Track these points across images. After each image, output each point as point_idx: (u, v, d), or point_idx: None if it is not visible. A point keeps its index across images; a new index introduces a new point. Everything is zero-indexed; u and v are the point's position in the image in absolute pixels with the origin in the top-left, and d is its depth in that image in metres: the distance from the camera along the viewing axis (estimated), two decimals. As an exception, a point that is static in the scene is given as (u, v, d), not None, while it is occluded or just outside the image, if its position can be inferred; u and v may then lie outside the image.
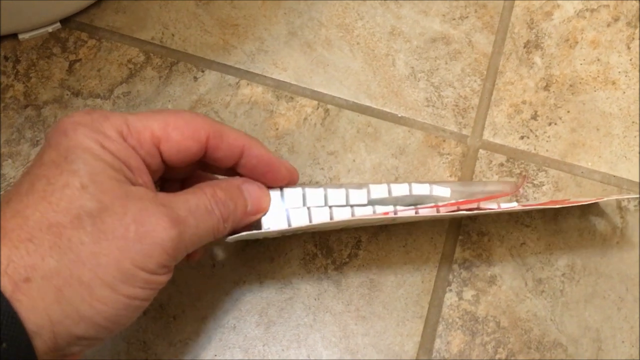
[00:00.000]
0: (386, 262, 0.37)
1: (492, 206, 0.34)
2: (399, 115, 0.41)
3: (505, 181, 0.38)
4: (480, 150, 0.40)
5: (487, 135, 0.40)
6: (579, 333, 0.35)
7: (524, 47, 0.43)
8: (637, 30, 0.44)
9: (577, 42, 0.43)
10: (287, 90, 0.42)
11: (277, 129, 0.40)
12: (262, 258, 0.37)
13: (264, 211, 0.30)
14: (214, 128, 0.28)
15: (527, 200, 0.38)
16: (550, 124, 0.41)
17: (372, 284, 0.36)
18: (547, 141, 0.40)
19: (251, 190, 0.30)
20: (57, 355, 0.23)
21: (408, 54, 0.43)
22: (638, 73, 0.42)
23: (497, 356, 0.35)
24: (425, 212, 0.32)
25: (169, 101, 0.41)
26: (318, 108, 0.41)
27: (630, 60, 0.43)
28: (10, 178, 0.38)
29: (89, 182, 0.24)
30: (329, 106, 0.41)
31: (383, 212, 0.32)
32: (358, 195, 0.32)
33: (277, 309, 0.35)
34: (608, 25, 0.44)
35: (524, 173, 0.39)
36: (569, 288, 0.36)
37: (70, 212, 0.23)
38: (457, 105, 0.41)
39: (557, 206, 0.34)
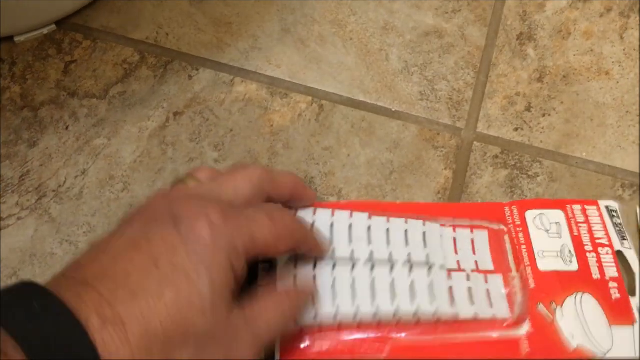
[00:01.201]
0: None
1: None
2: (393, 110, 0.41)
3: (510, 295, 0.34)
4: (475, 142, 0.40)
5: (482, 128, 0.40)
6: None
7: (517, 39, 0.43)
8: (630, 20, 0.44)
9: (570, 33, 0.43)
10: (282, 87, 0.42)
11: (271, 125, 0.41)
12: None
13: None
14: (303, 234, 0.31)
15: (522, 192, 0.39)
16: (544, 115, 0.41)
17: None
18: (541, 132, 0.40)
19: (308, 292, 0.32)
20: None
21: (401, 49, 0.43)
22: (631, 63, 0.42)
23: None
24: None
25: (164, 100, 0.41)
26: (312, 104, 0.41)
27: (624, 50, 0.43)
28: (8, 179, 0.39)
29: (209, 307, 0.25)
30: (323, 102, 0.41)
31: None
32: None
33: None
34: (601, 16, 0.44)
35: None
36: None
37: (182, 330, 0.24)
38: (451, 99, 0.41)
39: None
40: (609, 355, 0.31)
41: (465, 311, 0.32)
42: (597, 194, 0.38)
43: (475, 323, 0.32)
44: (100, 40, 0.44)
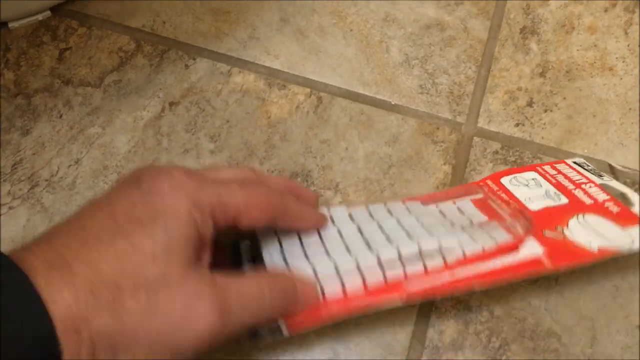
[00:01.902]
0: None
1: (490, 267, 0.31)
2: (393, 103, 0.40)
3: (509, 228, 0.34)
4: (475, 137, 0.39)
5: (482, 123, 0.40)
6: (573, 322, 0.35)
7: (520, 33, 0.43)
8: (635, 15, 0.43)
9: (573, 28, 0.43)
10: (280, 78, 0.41)
11: (269, 117, 0.40)
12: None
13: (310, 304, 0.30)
14: (282, 204, 0.29)
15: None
16: (546, 110, 0.40)
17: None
18: (542, 128, 0.40)
19: (306, 289, 0.30)
20: None
21: (402, 41, 0.42)
22: (635, 59, 0.41)
23: (491, 345, 0.34)
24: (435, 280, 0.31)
25: (160, 89, 0.41)
26: (311, 96, 0.41)
27: (628, 46, 0.42)
28: (1, 167, 0.38)
29: (161, 253, 0.24)
30: (322, 94, 0.41)
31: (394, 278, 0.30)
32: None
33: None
34: (605, 11, 0.43)
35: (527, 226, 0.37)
36: (563, 277, 0.36)
37: (133, 277, 0.23)
38: (451, 93, 0.41)
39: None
40: (635, 247, 0.31)
41: (471, 247, 0.31)
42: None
43: (485, 255, 0.31)
44: (95, 27, 0.43)
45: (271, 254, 0.31)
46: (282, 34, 0.43)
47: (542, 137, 0.39)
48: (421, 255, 0.30)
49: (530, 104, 0.40)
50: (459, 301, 0.35)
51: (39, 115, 0.40)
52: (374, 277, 0.30)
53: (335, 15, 0.43)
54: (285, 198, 0.30)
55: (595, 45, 0.42)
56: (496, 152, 0.39)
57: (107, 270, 0.23)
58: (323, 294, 0.29)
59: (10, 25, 0.42)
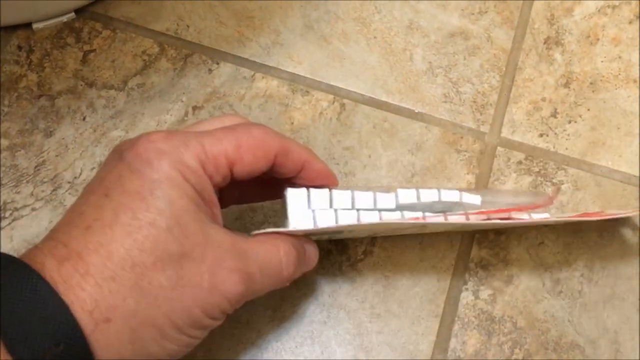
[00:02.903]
0: (401, 260, 0.36)
1: (523, 217, 0.33)
2: (416, 111, 0.40)
3: (537, 192, 0.37)
4: (499, 147, 0.39)
5: (506, 133, 0.40)
6: (597, 334, 0.35)
7: (544, 43, 0.42)
8: (660, 27, 0.43)
9: (598, 39, 0.43)
10: (303, 84, 0.41)
11: (292, 123, 0.40)
12: (276, 253, 0.36)
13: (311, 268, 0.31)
14: (282, 145, 0.28)
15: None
16: (570, 121, 0.40)
17: (387, 282, 0.36)
18: (566, 139, 0.40)
19: (311, 251, 0.31)
20: None
21: (426, 49, 0.42)
22: (660, 71, 0.41)
23: (514, 357, 0.34)
24: (455, 218, 0.32)
25: (184, 93, 0.41)
26: (334, 102, 0.41)
27: (653, 58, 0.42)
28: (24, 168, 0.38)
29: (175, 224, 0.24)
30: (345, 101, 0.41)
31: (412, 217, 0.32)
32: (386, 199, 0.31)
33: (291, 305, 0.35)
34: (630, 23, 0.43)
35: (556, 183, 0.38)
36: (587, 289, 0.36)
37: (155, 253, 0.23)
38: (475, 102, 0.41)
39: (592, 219, 0.34)
40: None
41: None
42: (622, 204, 0.38)
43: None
44: (119, 30, 0.43)
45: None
46: (306, 40, 0.43)
47: (566, 148, 0.39)
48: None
49: (554, 114, 0.40)
50: (482, 311, 0.35)
51: (62, 117, 0.40)
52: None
53: (359, 22, 0.43)
54: (284, 137, 0.28)
55: (619, 57, 0.42)
56: (520, 163, 0.39)
57: (122, 252, 0.23)
58: None
59: (34, 26, 0.43)
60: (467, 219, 0.32)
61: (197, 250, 0.24)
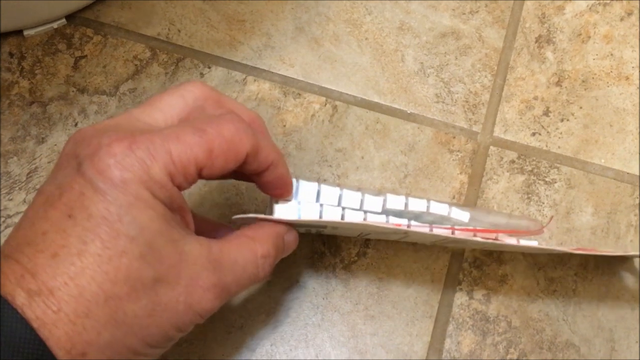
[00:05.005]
0: (395, 261, 0.36)
1: (510, 241, 0.33)
2: (408, 112, 0.40)
3: (530, 218, 0.36)
4: (491, 147, 0.39)
5: (498, 132, 0.40)
6: (592, 333, 0.35)
7: (536, 42, 0.42)
8: (651, 24, 0.43)
9: (589, 37, 0.42)
10: (295, 87, 0.41)
11: (284, 125, 0.40)
12: (270, 256, 0.36)
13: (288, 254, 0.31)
14: (253, 144, 0.26)
15: (539, 199, 0.38)
16: (562, 120, 0.40)
17: (381, 283, 0.36)
18: (559, 138, 0.39)
19: (291, 240, 0.30)
20: None
21: (417, 50, 0.42)
22: (652, 68, 0.41)
23: (509, 356, 0.34)
24: (440, 231, 0.31)
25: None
26: (326, 104, 0.41)
27: (644, 55, 0.42)
28: (16, 175, 0.38)
29: (147, 250, 0.23)
30: (337, 102, 0.41)
31: (396, 223, 0.32)
32: (373, 202, 0.31)
33: (284, 308, 0.35)
34: (621, 20, 0.43)
35: (551, 216, 0.37)
36: (581, 287, 0.36)
37: (128, 283, 0.22)
38: (467, 102, 0.41)
39: (582, 253, 0.33)
40: None
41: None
42: (616, 201, 0.38)
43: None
44: (111, 35, 0.43)
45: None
46: (297, 43, 0.42)
47: (559, 147, 0.39)
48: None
49: (546, 113, 0.40)
50: (476, 311, 0.35)
51: (54, 123, 0.40)
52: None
53: (350, 24, 0.43)
54: (255, 133, 0.26)
55: (611, 54, 0.42)
56: (513, 162, 0.39)
57: (94, 286, 0.22)
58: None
59: (25, 33, 0.43)
60: (453, 232, 0.32)
61: (171, 272, 0.23)
